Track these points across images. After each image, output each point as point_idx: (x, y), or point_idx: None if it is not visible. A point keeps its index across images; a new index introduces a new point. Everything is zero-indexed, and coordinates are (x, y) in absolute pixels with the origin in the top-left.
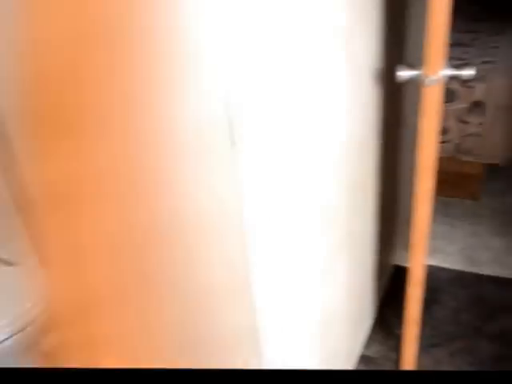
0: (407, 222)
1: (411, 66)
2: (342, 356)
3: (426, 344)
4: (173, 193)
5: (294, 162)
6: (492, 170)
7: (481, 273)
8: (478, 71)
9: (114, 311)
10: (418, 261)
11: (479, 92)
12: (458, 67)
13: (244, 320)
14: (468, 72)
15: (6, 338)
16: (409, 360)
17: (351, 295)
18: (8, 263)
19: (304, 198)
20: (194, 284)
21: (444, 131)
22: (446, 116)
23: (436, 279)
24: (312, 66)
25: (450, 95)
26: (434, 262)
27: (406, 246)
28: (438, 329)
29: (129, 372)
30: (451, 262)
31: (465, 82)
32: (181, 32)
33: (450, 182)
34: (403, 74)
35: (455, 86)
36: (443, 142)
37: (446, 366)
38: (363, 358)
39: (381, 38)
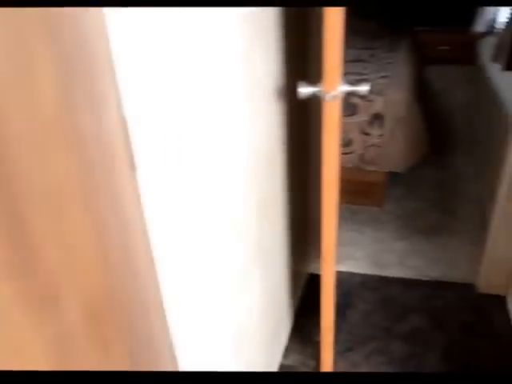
0: (318, 231)
1: (312, 83)
2: (261, 367)
3: (342, 348)
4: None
5: (199, 179)
6: (393, 177)
7: (387, 275)
8: (376, 86)
9: None
10: (329, 269)
11: (378, 105)
12: (358, 82)
13: (158, 337)
14: (364, 88)
15: None
16: (327, 366)
17: (266, 307)
18: None
19: (213, 214)
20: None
21: (348, 143)
22: (349, 128)
23: (347, 284)
24: (211, 86)
25: (352, 109)
26: (344, 268)
27: (319, 254)
28: (352, 333)
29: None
30: (360, 267)
31: (364, 96)
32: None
33: (355, 190)
34: (304, 90)
35: (356, 100)
36: (348, 153)
37: (362, 369)
38: (283, 368)
39: (282, 56)
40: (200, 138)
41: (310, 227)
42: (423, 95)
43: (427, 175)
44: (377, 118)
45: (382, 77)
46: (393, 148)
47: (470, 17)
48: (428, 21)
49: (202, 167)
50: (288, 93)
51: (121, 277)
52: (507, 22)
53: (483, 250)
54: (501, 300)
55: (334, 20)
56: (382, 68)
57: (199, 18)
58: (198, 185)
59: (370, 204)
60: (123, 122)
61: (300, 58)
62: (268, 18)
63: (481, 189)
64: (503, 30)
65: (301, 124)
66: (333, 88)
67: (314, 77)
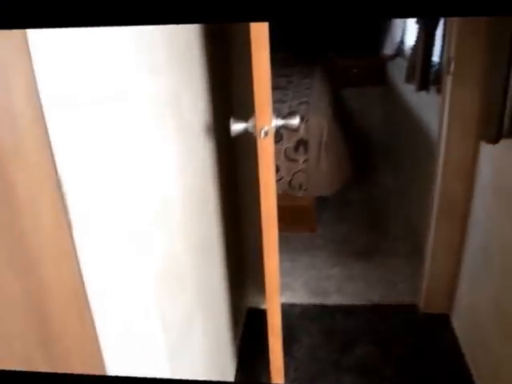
0: (255, 265)
1: (243, 119)
2: None
3: None
4: None
5: (131, 223)
6: (322, 201)
7: (328, 304)
8: (297, 111)
9: None
10: (275, 309)
11: (301, 131)
12: (280, 108)
13: None
14: (295, 121)
15: None
16: None
17: (211, 349)
18: None
19: (148, 258)
20: None
21: (276, 170)
22: (276, 155)
23: (288, 317)
24: (137, 128)
25: (277, 136)
26: (283, 300)
27: (258, 288)
28: (300, 370)
29: None
30: (299, 297)
31: None
32: None
33: (286, 217)
34: (236, 127)
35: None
36: (276, 180)
37: None
38: None
39: (208, 93)
40: (129, 180)
41: (245, 260)
42: (342, 117)
43: (355, 196)
44: (301, 143)
45: (302, 103)
46: (319, 173)
47: (379, 41)
48: (339, 46)
49: (133, 209)
50: (216, 129)
51: None
52: (414, 45)
53: (420, 269)
54: (444, 319)
55: (261, 57)
56: (301, 94)
57: (126, 59)
58: (130, 227)
59: (302, 230)
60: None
61: (224, 94)
62: (193, 57)
63: (408, 206)
64: (411, 52)
65: (229, 159)
66: (266, 123)
67: (242, 112)
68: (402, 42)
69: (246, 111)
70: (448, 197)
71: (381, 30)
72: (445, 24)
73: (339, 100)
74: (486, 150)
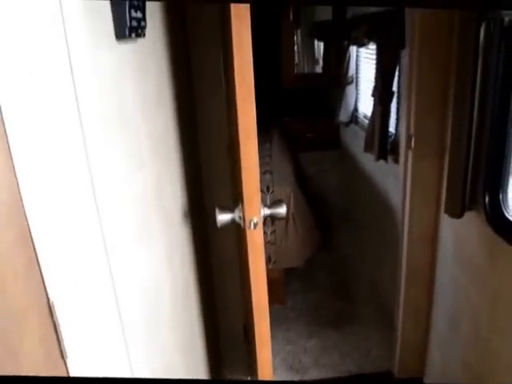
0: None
1: (229, 210)
2: None
3: None
4: None
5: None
6: (289, 271)
7: (307, 379)
8: (262, 183)
9: None
10: None
11: (268, 202)
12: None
13: None
14: (282, 210)
15: None
16: None
17: None
18: None
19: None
20: None
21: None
22: None
23: None
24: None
25: None
26: None
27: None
28: None
29: None
30: (278, 375)
31: None
32: None
33: None
34: (222, 218)
35: None
36: None
37: None
38: None
39: (184, 180)
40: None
41: (222, 344)
42: (302, 182)
43: (319, 261)
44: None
45: (265, 172)
46: (288, 244)
47: (333, 107)
48: (294, 111)
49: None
50: (191, 214)
51: None
52: (371, 116)
53: (391, 334)
54: (419, 383)
55: (250, 145)
56: (263, 162)
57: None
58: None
59: (272, 303)
60: None
61: (199, 184)
62: (169, 145)
63: (372, 270)
64: (369, 123)
65: (202, 240)
66: (255, 214)
67: (222, 202)
68: (355, 110)
69: (235, 202)
70: (413, 264)
71: (335, 98)
72: (398, 97)
73: (299, 165)
74: (447, 220)
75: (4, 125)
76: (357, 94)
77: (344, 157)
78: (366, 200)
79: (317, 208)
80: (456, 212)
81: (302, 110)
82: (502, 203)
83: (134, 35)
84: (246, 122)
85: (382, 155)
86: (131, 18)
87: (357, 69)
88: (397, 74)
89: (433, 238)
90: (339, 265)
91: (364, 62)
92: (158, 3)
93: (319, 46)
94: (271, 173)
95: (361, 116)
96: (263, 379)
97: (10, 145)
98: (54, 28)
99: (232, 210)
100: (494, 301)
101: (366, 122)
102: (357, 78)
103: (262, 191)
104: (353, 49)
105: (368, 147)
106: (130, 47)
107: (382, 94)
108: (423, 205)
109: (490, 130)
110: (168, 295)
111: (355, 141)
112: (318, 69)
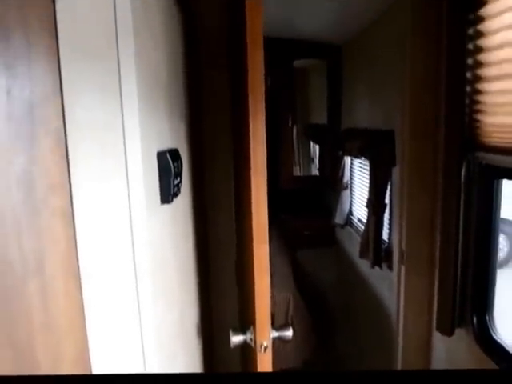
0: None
1: (242, 331)
2: None
3: None
4: None
5: None
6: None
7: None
8: None
9: None
10: None
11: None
12: None
13: None
14: (289, 333)
15: None
16: None
17: None
18: None
19: None
20: None
21: None
22: None
23: None
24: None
25: None
26: None
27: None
28: None
29: None
30: None
31: None
32: None
33: None
34: (235, 339)
35: None
36: None
37: None
38: None
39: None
40: None
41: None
42: (302, 282)
43: (317, 360)
44: None
45: None
46: (285, 346)
47: (328, 206)
48: (291, 209)
49: None
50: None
51: None
52: (365, 225)
53: None
54: None
55: (263, 280)
56: None
57: None
58: None
59: None
60: None
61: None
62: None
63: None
64: (363, 231)
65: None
66: (265, 338)
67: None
68: (350, 213)
69: (247, 324)
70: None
71: (330, 198)
72: (391, 208)
73: (298, 264)
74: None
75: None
76: (351, 198)
77: (340, 254)
78: (362, 300)
79: (315, 307)
80: (446, 330)
81: (299, 209)
82: (489, 324)
83: (172, 198)
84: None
85: (377, 262)
86: (174, 186)
87: (351, 175)
88: (389, 187)
89: (427, 349)
90: (336, 364)
91: (358, 170)
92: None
93: (315, 147)
94: (271, 276)
95: (355, 219)
96: None
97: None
98: (123, 201)
99: (244, 332)
100: None
101: (360, 225)
102: (351, 184)
103: None
104: (347, 157)
105: (363, 254)
106: (168, 207)
107: (375, 205)
108: (417, 317)
109: (474, 256)
110: None
111: (350, 242)
112: (315, 169)
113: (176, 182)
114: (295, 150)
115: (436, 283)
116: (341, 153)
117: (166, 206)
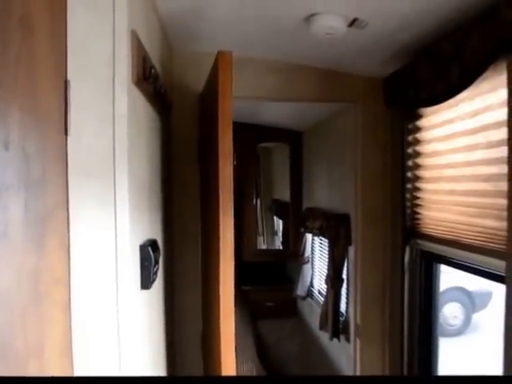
0: None
1: None
2: None
3: None
4: None
5: None
6: None
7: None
8: None
9: None
10: None
11: None
12: None
13: None
14: None
15: None
16: None
17: None
18: None
19: None
20: None
21: None
22: None
23: None
24: None
25: None
26: None
27: None
28: None
29: None
30: None
31: None
32: None
33: None
34: None
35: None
36: None
37: None
38: None
39: None
40: None
41: None
42: (262, 353)
43: None
44: None
45: None
46: None
47: (290, 277)
48: (253, 280)
49: None
50: None
51: None
52: (325, 299)
53: None
54: None
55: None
56: None
57: None
58: None
59: None
60: None
61: None
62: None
63: None
64: (322, 305)
65: None
66: None
67: None
68: (311, 285)
69: None
70: None
71: (293, 270)
72: (348, 283)
73: (259, 335)
74: None
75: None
76: (312, 272)
77: (302, 325)
78: (322, 372)
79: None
80: None
81: (261, 280)
82: None
83: (151, 284)
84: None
85: (335, 335)
86: (153, 274)
87: (312, 250)
88: (346, 264)
89: None
90: None
91: (318, 245)
92: None
93: (279, 221)
94: (235, 347)
95: (316, 291)
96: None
97: None
98: (111, 289)
99: None
100: None
101: (320, 297)
102: (312, 257)
103: None
104: (309, 234)
105: (323, 326)
106: (147, 292)
107: (333, 280)
108: None
109: (419, 327)
110: None
111: (311, 313)
112: (278, 242)
113: (155, 269)
114: (259, 222)
115: (387, 353)
116: (302, 230)
117: (145, 291)
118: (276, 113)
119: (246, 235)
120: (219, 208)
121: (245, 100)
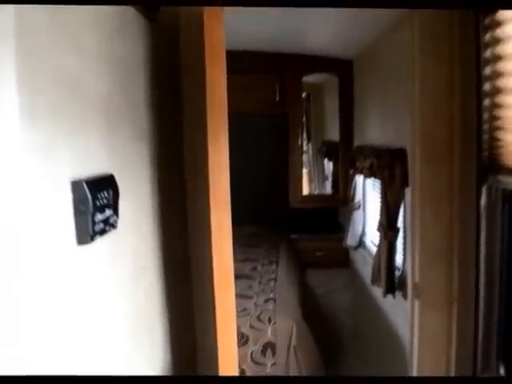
0: None
1: None
2: None
3: None
4: None
5: None
6: None
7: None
8: (264, 312)
9: None
10: None
11: (269, 333)
12: (246, 307)
13: None
14: None
15: None
16: None
17: None
18: None
19: None
20: None
21: (240, 373)
22: (241, 359)
23: None
24: None
25: (242, 338)
26: None
27: None
28: None
29: None
30: None
31: (253, 325)
32: None
33: None
34: None
35: (246, 328)
36: None
37: None
38: None
39: None
40: None
41: None
42: (308, 309)
43: None
44: (268, 346)
45: (269, 300)
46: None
47: (341, 230)
48: (303, 229)
49: None
50: None
51: None
52: (377, 250)
53: None
54: None
55: None
56: (267, 287)
57: None
58: None
59: None
60: None
61: None
62: None
63: None
64: (375, 256)
65: None
66: None
67: None
68: (363, 234)
69: None
70: None
71: (344, 216)
72: (405, 232)
73: (305, 288)
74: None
75: None
76: (364, 219)
77: (354, 277)
78: (376, 326)
79: (323, 333)
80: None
81: (310, 228)
82: None
83: (94, 237)
84: None
85: (390, 291)
86: (96, 223)
87: (364, 194)
88: (402, 210)
89: None
90: None
91: (371, 189)
92: None
93: (329, 164)
94: (274, 301)
95: (368, 241)
96: None
97: None
98: None
99: None
100: None
101: (374, 248)
102: (364, 203)
103: (262, 322)
104: (360, 176)
105: (375, 281)
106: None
107: (386, 229)
108: (434, 358)
109: (499, 292)
110: None
111: (364, 265)
112: (328, 187)
113: (102, 217)
114: (311, 167)
115: (455, 321)
116: (352, 171)
117: (87, 246)
118: (321, 36)
119: (292, 180)
120: (207, 131)
121: None
